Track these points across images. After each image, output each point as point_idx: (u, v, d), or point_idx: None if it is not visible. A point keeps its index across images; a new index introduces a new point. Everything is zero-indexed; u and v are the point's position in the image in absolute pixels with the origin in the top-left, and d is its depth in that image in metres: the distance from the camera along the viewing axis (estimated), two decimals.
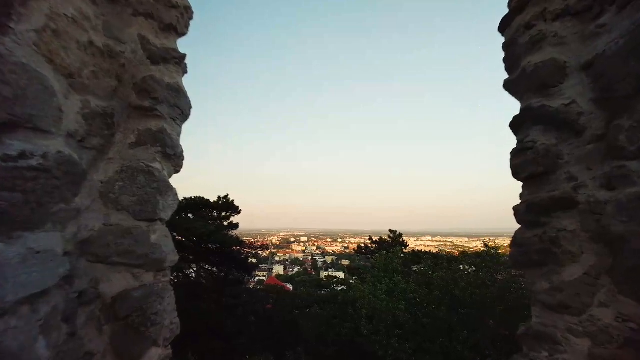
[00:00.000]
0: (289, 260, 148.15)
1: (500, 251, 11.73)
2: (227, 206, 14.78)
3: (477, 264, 10.20)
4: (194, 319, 13.31)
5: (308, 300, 23.57)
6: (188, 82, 2.56)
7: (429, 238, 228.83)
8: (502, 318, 8.68)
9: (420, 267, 11.49)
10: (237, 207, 14.98)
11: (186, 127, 2.70)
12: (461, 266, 10.58)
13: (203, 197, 14.47)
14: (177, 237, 13.32)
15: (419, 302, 9.23)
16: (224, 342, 13.40)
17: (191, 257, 14.50)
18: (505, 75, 2.73)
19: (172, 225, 11.19)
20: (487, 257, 10.52)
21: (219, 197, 14.80)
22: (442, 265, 10.98)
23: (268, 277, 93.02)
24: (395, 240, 20.25)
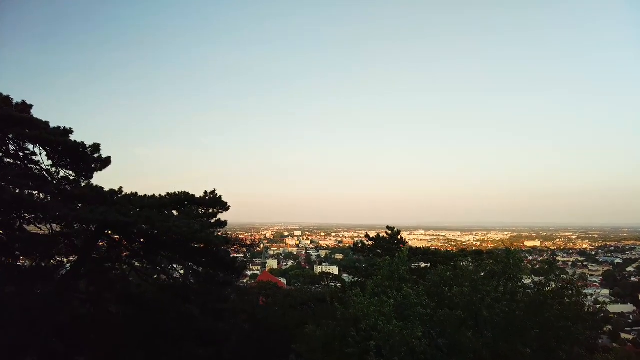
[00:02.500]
0: (283, 255, 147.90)
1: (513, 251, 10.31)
2: (214, 202, 13.66)
3: (497, 272, 8.96)
4: (177, 324, 12.36)
5: (302, 299, 22.72)
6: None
7: (422, 232, 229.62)
8: (539, 343, 7.37)
9: (434, 276, 9.99)
10: (226, 203, 13.88)
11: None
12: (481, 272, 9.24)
13: (188, 192, 13.35)
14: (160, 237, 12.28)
15: (435, 322, 8.00)
16: (209, 348, 12.46)
17: (176, 257, 13.50)
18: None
19: (151, 223, 10.02)
20: (510, 264, 9.15)
21: (206, 192, 13.69)
22: (458, 273, 9.52)
23: (262, 271, 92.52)
24: (394, 237, 19.30)
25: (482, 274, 9.20)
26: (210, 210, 13.86)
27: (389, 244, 18.94)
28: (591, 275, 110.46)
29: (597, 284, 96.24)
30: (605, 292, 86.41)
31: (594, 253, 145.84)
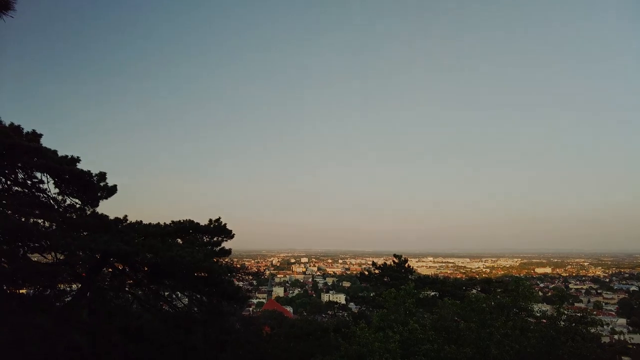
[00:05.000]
0: (289, 282, 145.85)
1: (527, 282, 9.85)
2: (219, 230, 13.60)
3: (506, 305, 8.62)
4: (179, 355, 12.05)
5: (308, 329, 22.21)
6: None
7: (431, 259, 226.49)
8: None
9: (441, 309, 9.63)
10: (230, 231, 13.81)
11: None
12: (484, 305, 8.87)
13: (192, 221, 13.32)
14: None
15: (442, 358, 7.59)
16: None
17: (180, 286, 13.32)
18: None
19: (155, 252, 9.95)
20: (519, 295, 8.78)
21: (210, 220, 13.65)
22: (466, 306, 9.16)
23: (267, 299, 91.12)
24: (400, 265, 18.97)
25: (492, 304, 8.79)
26: (215, 239, 13.77)
27: (396, 272, 18.60)
28: (606, 303, 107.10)
29: (613, 313, 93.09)
30: (622, 321, 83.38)
31: (607, 280, 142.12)
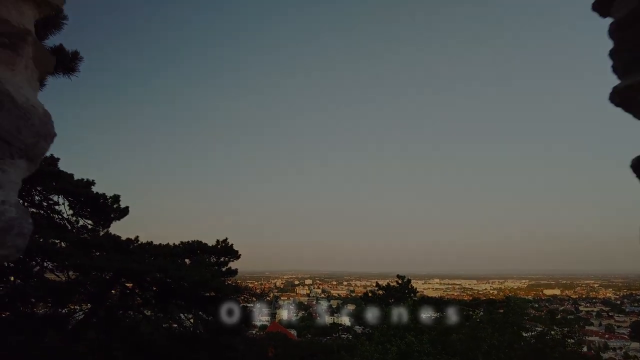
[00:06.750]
0: (293, 304, 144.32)
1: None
2: (226, 251, 14.08)
3: (498, 320, 9.00)
4: None
5: (311, 350, 22.26)
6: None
7: (437, 280, 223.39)
8: None
9: (437, 323, 10.05)
10: (236, 251, 14.28)
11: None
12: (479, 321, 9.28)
13: (200, 241, 13.82)
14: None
15: None
16: None
17: (187, 306, 13.64)
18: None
19: (165, 271, 10.38)
20: (511, 311, 9.22)
21: (218, 240, 14.15)
22: (463, 322, 9.56)
23: (271, 322, 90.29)
24: (404, 285, 19.17)
25: (480, 315, 9.17)
26: (222, 259, 14.21)
27: (399, 293, 18.79)
28: (618, 326, 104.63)
29: (626, 336, 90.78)
30: (636, 345, 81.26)
31: (619, 302, 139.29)
